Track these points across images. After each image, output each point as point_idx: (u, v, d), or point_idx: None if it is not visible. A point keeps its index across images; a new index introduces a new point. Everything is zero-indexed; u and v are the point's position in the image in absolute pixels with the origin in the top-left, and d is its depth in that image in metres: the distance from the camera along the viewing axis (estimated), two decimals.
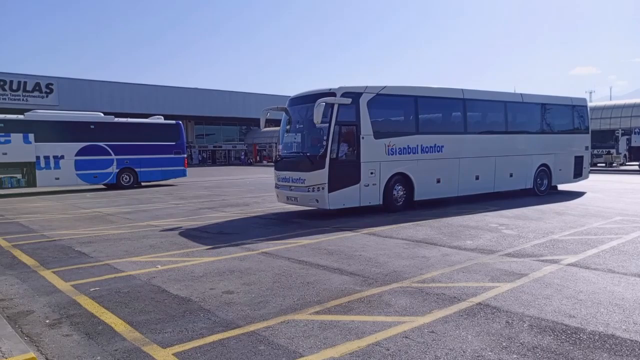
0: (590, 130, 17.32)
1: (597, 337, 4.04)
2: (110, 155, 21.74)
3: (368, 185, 11.22)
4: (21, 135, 19.42)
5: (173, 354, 3.86)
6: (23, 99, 43.02)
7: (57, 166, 20.29)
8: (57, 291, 5.68)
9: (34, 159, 19.70)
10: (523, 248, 7.64)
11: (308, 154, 11.08)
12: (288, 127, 11.89)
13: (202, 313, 4.82)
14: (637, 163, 33.34)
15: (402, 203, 11.97)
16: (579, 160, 16.53)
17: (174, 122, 24.57)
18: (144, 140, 22.86)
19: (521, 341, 3.98)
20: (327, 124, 10.52)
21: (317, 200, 10.83)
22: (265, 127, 12.78)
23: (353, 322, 4.49)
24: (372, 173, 11.26)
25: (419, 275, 6.12)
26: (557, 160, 15.78)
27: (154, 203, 15.65)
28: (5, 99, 42.25)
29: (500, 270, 6.30)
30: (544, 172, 15.50)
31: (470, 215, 11.25)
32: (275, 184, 12.15)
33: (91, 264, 7.08)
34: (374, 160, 11.32)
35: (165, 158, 23.60)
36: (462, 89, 13.36)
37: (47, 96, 44.33)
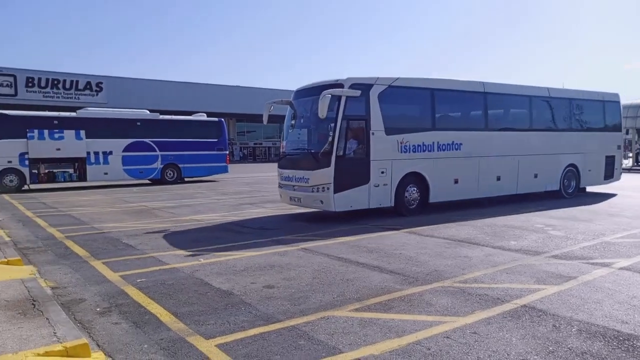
0: (622, 128, 16.21)
1: None
2: (155, 151, 22.44)
3: (378, 186, 10.35)
4: (73, 132, 20.34)
5: (216, 345, 3.95)
6: (75, 97, 44.94)
7: (105, 161, 21.13)
8: (107, 281, 5.93)
9: (84, 155, 20.59)
10: (571, 250, 7.35)
11: (312, 151, 10.19)
12: (293, 121, 11.09)
13: (244, 306, 4.91)
14: None
15: (415, 206, 11.11)
16: (610, 161, 15.37)
17: (216, 119, 25.08)
18: (188, 137, 23.47)
19: (569, 346, 3.84)
20: (334, 119, 9.68)
21: (321, 202, 10.00)
22: (268, 121, 11.84)
23: (393, 320, 4.46)
24: (382, 172, 10.39)
25: (461, 275, 6.01)
26: (586, 160, 14.70)
27: (197, 198, 16.04)
28: (59, 97, 44.26)
29: (547, 272, 6.09)
30: (571, 172, 14.46)
31: (515, 215, 10.92)
32: (279, 183, 11.43)
33: (137, 256, 7.34)
34: (385, 159, 10.43)
35: (208, 154, 24.14)
36: (482, 82, 12.41)
37: (97, 94, 46.16)
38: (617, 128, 15.84)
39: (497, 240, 8.19)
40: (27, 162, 19.48)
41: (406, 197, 10.92)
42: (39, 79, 42.29)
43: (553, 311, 4.64)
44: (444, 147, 11.45)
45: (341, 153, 9.79)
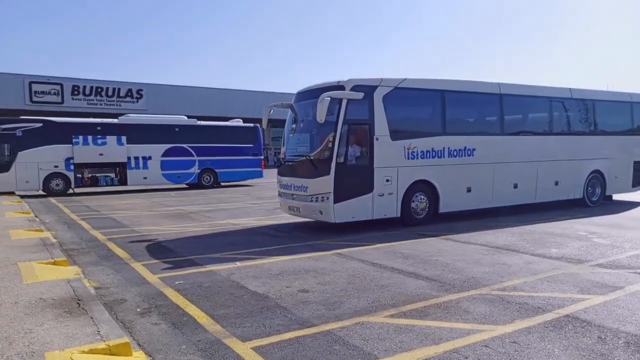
0: None
1: None
2: (193, 156, 22.94)
3: (383, 195, 9.67)
4: (115, 137, 21.06)
5: (252, 348, 3.99)
6: (117, 104, 46.52)
7: (145, 166, 21.75)
8: (147, 282, 6.09)
9: (125, 160, 21.27)
10: (617, 259, 7.06)
11: (311, 158, 9.50)
12: (293, 126, 10.40)
13: (279, 310, 4.94)
14: None
15: (424, 216, 10.36)
16: (638, 166, 14.25)
17: (252, 125, 25.43)
18: (224, 142, 23.89)
19: (616, 359, 3.68)
20: (334, 123, 9.06)
21: (320, 212, 9.38)
22: (268, 125, 11.40)
23: (429, 327, 4.39)
24: (388, 180, 9.71)
25: (499, 282, 5.86)
26: (613, 166, 13.65)
27: (233, 202, 16.29)
28: (102, 104, 45.94)
29: (591, 281, 5.86)
30: (596, 179, 13.43)
31: (555, 222, 10.58)
32: (278, 191, 10.91)
33: (176, 258, 7.51)
34: (391, 166, 9.75)
35: (244, 159, 24.49)
36: (498, 83, 11.63)
37: (137, 101, 47.62)
38: None
39: (538, 247, 7.95)
40: (72, 167, 20.29)
41: (413, 207, 10.21)
42: (84, 87, 43.99)
43: (598, 322, 4.47)
44: (455, 153, 10.74)
45: (342, 160, 9.17)
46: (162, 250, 8.19)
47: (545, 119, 12.78)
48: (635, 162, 14.27)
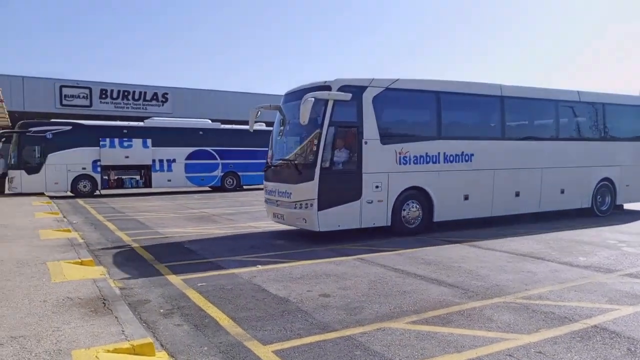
0: None
1: None
2: (216, 159, 23.21)
3: (372, 202, 9.15)
4: (141, 140, 21.48)
5: (272, 351, 4.00)
6: (143, 108, 47.38)
7: (169, 169, 22.11)
8: (170, 284, 6.17)
9: (150, 162, 21.66)
10: None
11: (295, 162, 9.09)
12: (281, 128, 9.94)
13: (300, 314, 4.94)
14: None
15: (416, 225, 9.79)
16: None
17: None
18: (247, 146, 24.08)
19: None
20: (319, 125, 8.65)
21: (304, 220, 8.91)
22: (254, 128, 10.99)
23: (452, 334, 4.33)
24: (377, 187, 9.19)
25: (524, 291, 5.74)
26: (624, 173, 12.91)
27: (254, 205, 16.40)
28: (128, 107, 46.86)
29: (621, 291, 5.70)
30: (606, 187, 12.70)
31: (582, 230, 10.33)
32: (265, 197, 10.44)
33: (198, 260, 7.60)
34: (381, 171, 9.24)
35: None
36: (500, 85, 10.99)
37: (162, 105, 48.41)
38: None
39: (564, 255, 7.77)
40: (99, 169, 20.76)
41: (404, 215, 9.65)
42: (111, 91, 44.99)
43: (628, 334, 4.33)
44: (452, 159, 10.12)
45: (327, 165, 8.70)
46: (185, 252, 8.29)
47: (550, 123, 12.07)
48: None
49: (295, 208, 9.05)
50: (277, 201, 9.66)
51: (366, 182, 9.12)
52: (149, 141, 21.56)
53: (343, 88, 8.88)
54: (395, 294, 5.65)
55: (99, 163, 20.71)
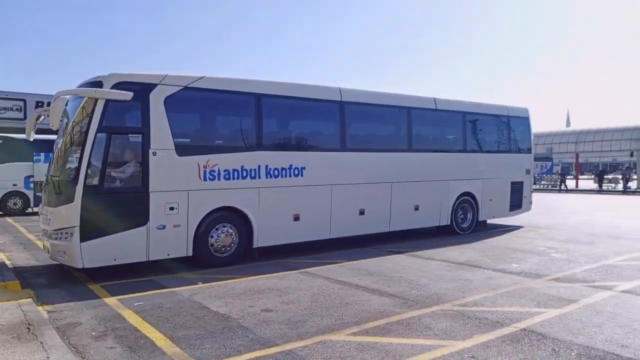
0: (532, 150, 13.54)
1: None
2: None
3: (164, 228, 7.42)
4: None
5: None
6: None
7: None
8: (104, 304, 5.90)
9: None
10: (573, 273, 7.29)
11: (57, 178, 7.39)
12: (57, 136, 8.24)
13: (241, 330, 4.87)
14: None
15: (230, 252, 8.17)
16: (517, 188, 12.68)
17: None
18: None
19: None
20: (85, 132, 6.96)
21: (65, 254, 7.00)
22: (33, 136, 9.03)
23: (391, 344, 4.41)
24: (172, 208, 7.49)
25: (461, 298, 5.95)
26: (487, 187, 11.96)
27: None
28: None
29: (548, 295, 6.03)
30: (467, 203, 11.68)
31: (516, 238, 10.86)
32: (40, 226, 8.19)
33: (137, 279, 7.30)
34: (177, 189, 7.55)
35: None
36: (339, 88, 9.62)
37: None
38: (526, 150, 13.24)
39: (499, 263, 8.13)
40: (32, 185, 19.61)
41: (212, 242, 7.98)
42: (48, 103, 42.90)
43: (553, 335, 4.58)
44: (276, 173, 8.60)
45: (95, 182, 6.93)
46: (122, 271, 7.95)
47: (401, 132, 10.85)
48: (512, 184, 12.67)
49: (55, 239, 7.10)
50: (44, 230, 7.63)
51: (155, 202, 7.36)
52: None
53: (121, 85, 7.18)
54: (337, 306, 5.69)
55: (32, 179, 19.57)
